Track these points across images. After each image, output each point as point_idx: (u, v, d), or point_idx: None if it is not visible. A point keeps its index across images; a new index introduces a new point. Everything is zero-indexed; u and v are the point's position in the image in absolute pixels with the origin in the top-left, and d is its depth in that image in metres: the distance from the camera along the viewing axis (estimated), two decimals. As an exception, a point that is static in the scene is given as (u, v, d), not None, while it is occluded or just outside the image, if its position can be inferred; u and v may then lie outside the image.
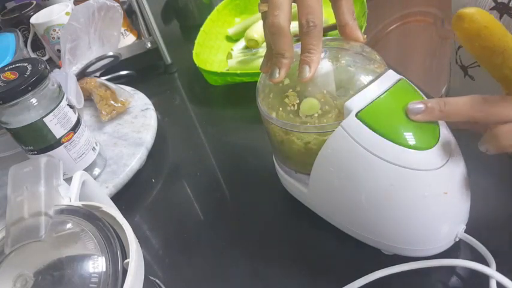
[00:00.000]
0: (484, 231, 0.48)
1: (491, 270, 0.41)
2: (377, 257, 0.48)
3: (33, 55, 1.05)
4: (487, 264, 0.43)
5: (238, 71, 0.82)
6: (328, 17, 0.89)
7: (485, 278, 0.43)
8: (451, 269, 0.46)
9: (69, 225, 0.35)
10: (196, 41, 0.92)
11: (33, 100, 0.55)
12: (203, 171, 0.68)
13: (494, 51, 0.36)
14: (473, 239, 0.43)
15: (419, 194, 0.40)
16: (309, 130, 0.45)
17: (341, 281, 0.48)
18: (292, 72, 0.45)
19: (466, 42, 0.37)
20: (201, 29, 0.97)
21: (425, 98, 0.43)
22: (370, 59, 0.46)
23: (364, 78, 0.43)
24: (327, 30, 0.85)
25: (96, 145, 0.66)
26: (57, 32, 0.93)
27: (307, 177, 0.48)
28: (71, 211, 0.37)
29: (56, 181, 0.38)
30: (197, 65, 0.85)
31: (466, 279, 0.45)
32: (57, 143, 0.59)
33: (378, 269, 0.47)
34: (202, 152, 0.73)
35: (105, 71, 0.86)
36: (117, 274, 0.32)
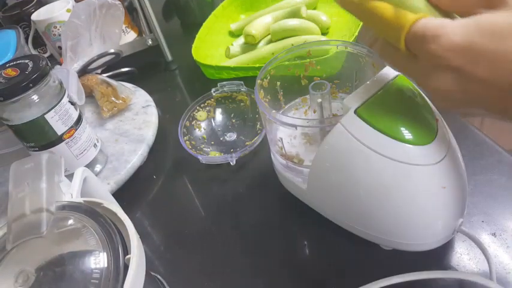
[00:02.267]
0: (481, 224, 0.49)
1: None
2: (376, 253, 0.48)
3: (34, 52, 1.05)
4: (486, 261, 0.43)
5: (232, 66, 0.83)
6: (330, 16, 0.90)
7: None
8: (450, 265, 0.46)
9: (70, 222, 0.35)
10: (197, 36, 0.93)
11: (35, 97, 0.55)
12: (204, 168, 0.68)
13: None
14: (471, 233, 0.44)
15: (418, 189, 0.40)
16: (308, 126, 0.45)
17: (340, 277, 0.48)
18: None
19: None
20: (204, 24, 0.97)
21: (423, 94, 0.43)
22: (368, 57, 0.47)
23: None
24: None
25: (98, 142, 0.67)
26: (58, 29, 0.93)
27: (305, 174, 0.48)
28: (72, 207, 0.37)
29: (57, 177, 0.39)
30: (194, 58, 0.86)
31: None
32: (59, 139, 0.59)
33: (376, 265, 0.48)
34: (203, 149, 0.73)
35: (107, 68, 0.86)
36: (118, 270, 0.32)
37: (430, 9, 0.34)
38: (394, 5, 0.34)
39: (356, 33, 0.76)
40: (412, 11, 0.33)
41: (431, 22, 0.31)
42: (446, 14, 0.34)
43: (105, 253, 0.33)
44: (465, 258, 0.46)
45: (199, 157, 0.65)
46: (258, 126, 0.71)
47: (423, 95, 0.43)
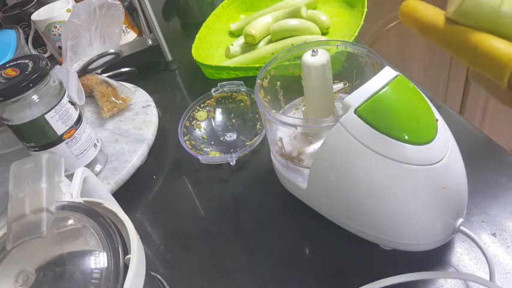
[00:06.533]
0: (481, 224, 0.49)
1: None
2: (376, 253, 0.48)
3: (34, 52, 1.05)
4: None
5: (232, 66, 0.83)
6: (330, 16, 0.90)
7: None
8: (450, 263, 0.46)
9: (70, 222, 0.35)
10: (197, 36, 0.93)
11: (35, 97, 0.55)
12: (204, 168, 0.68)
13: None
14: (471, 233, 0.44)
15: (418, 189, 0.40)
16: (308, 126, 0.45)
17: (341, 277, 0.48)
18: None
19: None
20: (204, 24, 0.97)
21: (423, 94, 0.43)
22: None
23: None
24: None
25: (98, 142, 0.67)
26: (58, 29, 0.93)
27: (305, 174, 0.48)
28: (72, 207, 0.37)
29: (57, 177, 0.39)
30: (194, 58, 0.86)
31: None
32: (59, 139, 0.59)
33: (376, 265, 0.48)
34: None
35: (107, 68, 0.86)
36: (118, 270, 0.32)
37: None
38: (492, 31, 0.30)
39: (356, 34, 0.76)
40: None
41: None
42: None
43: (105, 253, 0.33)
44: (465, 258, 0.46)
45: (199, 157, 0.65)
46: (258, 126, 0.71)
47: (423, 95, 0.43)
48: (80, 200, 0.39)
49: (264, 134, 0.66)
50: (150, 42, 0.95)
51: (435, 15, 0.33)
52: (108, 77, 0.84)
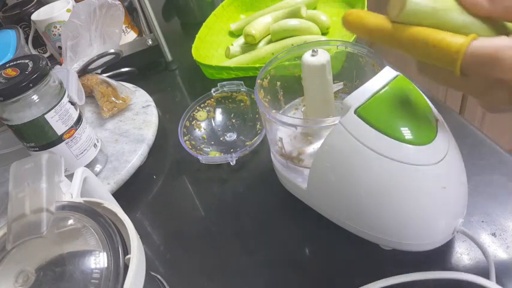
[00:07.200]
0: (481, 224, 0.49)
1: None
2: (376, 253, 0.48)
3: (34, 52, 1.05)
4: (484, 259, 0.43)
5: (232, 66, 0.83)
6: (330, 16, 0.90)
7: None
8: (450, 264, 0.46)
9: (70, 222, 0.35)
10: (197, 36, 0.93)
11: (35, 97, 0.55)
12: (204, 168, 0.68)
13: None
14: (471, 233, 0.44)
15: (418, 189, 0.40)
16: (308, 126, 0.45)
17: (340, 277, 0.48)
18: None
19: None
20: (204, 24, 0.97)
21: (423, 94, 0.43)
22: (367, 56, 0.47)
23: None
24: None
25: (98, 142, 0.67)
26: (58, 29, 0.93)
27: (305, 174, 0.48)
28: (72, 207, 0.37)
29: (57, 177, 0.39)
30: (194, 58, 0.86)
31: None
32: (59, 139, 0.59)
33: (376, 265, 0.48)
34: (203, 149, 0.73)
35: (107, 68, 0.86)
36: (118, 270, 0.32)
37: (472, 21, 0.32)
38: (434, 25, 0.32)
39: (356, 33, 0.76)
40: (456, 28, 0.32)
41: (487, 45, 0.30)
42: (487, 20, 0.32)
43: (105, 253, 0.33)
44: (465, 258, 0.46)
45: (199, 157, 0.65)
46: (258, 126, 0.71)
47: (423, 95, 0.43)
48: (80, 200, 0.39)
49: (264, 134, 0.66)
50: (150, 42, 0.95)
51: (381, 19, 0.35)
52: (108, 77, 0.84)
